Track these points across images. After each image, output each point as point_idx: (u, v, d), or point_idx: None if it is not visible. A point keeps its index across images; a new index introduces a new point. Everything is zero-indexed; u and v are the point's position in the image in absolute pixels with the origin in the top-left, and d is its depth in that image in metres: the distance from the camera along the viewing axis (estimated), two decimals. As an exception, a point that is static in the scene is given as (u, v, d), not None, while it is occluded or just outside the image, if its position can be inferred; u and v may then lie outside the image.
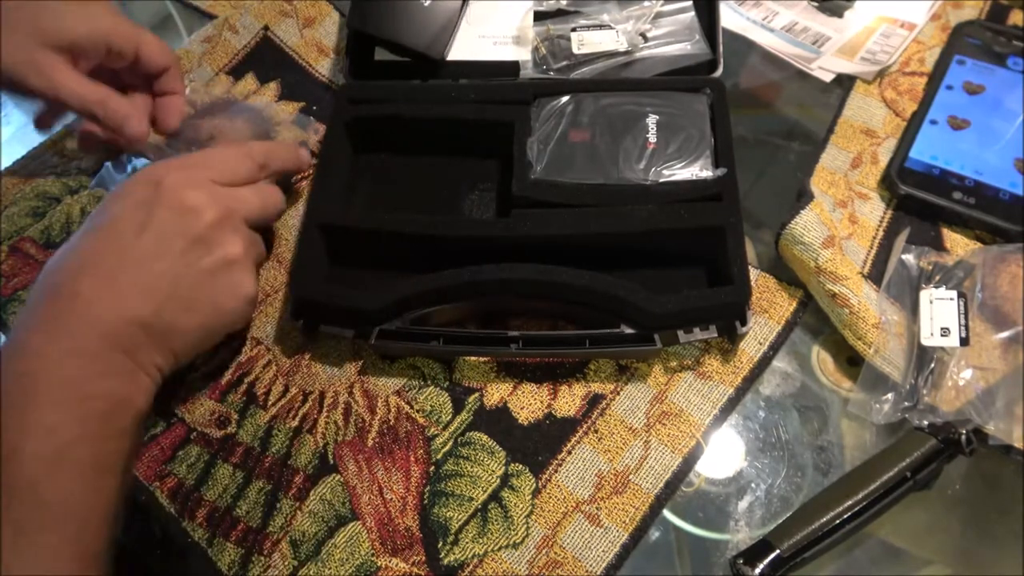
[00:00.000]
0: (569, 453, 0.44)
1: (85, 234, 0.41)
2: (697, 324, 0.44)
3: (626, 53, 0.54)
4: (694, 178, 0.47)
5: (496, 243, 0.46)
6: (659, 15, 0.56)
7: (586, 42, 0.55)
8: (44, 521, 0.33)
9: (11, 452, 0.33)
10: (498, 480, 0.44)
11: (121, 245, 0.40)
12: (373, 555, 0.42)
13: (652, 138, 0.49)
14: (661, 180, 0.47)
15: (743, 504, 0.43)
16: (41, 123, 0.54)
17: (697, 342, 0.47)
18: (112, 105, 0.49)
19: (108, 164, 0.57)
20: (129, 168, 0.57)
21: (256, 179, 0.46)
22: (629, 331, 0.44)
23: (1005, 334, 0.43)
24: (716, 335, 0.44)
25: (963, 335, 0.44)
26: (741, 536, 0.42)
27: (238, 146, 0.47)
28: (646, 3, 0.56)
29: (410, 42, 0.54)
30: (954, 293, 0.45)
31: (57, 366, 0.36)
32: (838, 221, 0.50)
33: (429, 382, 0.47)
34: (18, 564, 0.32)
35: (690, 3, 0.56)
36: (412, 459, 0.45)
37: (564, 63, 0.54)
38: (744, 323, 0.44)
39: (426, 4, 0.54)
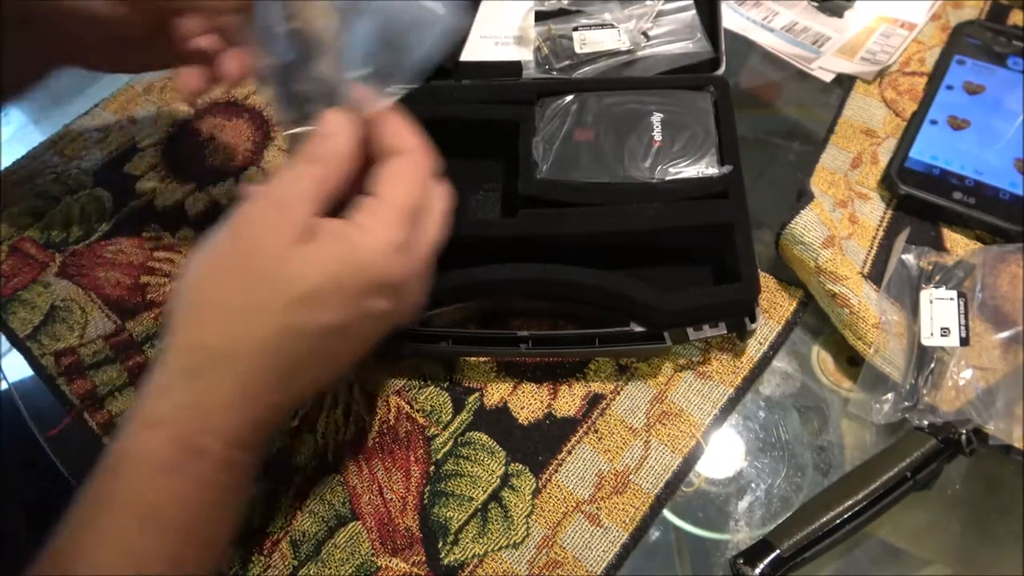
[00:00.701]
0: (569, 453, 0.44)
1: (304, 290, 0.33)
2: (706, 321, 0.44)
3: (628, 52, 0.54)
4: (700, 176, 0.47)
5: (502, 243, 0.46)
6: (660, 14, 0.56)
7: (588, 41, 0.55)
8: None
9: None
10: (498, 480, 0.44)
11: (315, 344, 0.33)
12: (373, 555, 0.42)
13: (657, 136, 0.49)
14: (667, 178, 0.47)
15: (743, 504, 0.43)
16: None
17: (699, 341, 0.47)
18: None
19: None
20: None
21: None
22: (639, 329, 0.44)
23: (1005, 334, 0.43)
24: (725, 332, 0.44)
25: (963, 335, 0.44)
26: (741, 536, 0.42)
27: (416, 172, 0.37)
28: (648, 2, 0.56)
29: (416, 52, 0.54)
30: (954, 293, 0.45)
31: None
32: (838, 221, 0.50)
33: (429, 382, 0.47)
34: None
35: (691, 1, 0.56)
36: (412, 459, 0.45)
37: (567, 63, 0.54)
38: (753, 320, 0.44)
39: (439, 12, 0.54)
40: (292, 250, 0.32)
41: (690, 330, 0.44)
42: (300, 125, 0.37)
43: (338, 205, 0.34)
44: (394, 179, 0.34)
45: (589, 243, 0.46)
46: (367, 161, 0.36)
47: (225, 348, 0.31)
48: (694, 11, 0.56)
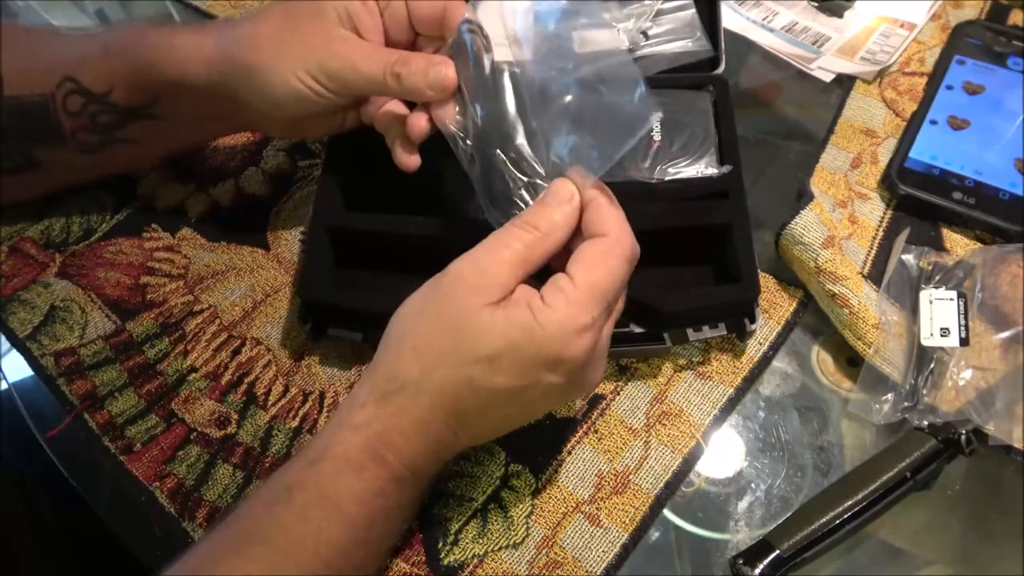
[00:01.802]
0: (569, 453, 0.44)
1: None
2: (706, 322, 0.44)
3: (627, 51, 0.54)
4: (700, 176, 0.47)
5: None
6: (659, 13, 0.56)
7: (587, 41, 0.55)
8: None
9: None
10: (498, 480, 0.44)
11: (494, 389, 0.35)
12: (373, 555, 0.42)
13: (656, 136, 0.48)
14: (667, 178, 0.47)
15: (743, 504, 0.43)
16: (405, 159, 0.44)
17: (699, 341, 0.47)
18: (413, 64, 0.40)
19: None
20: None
21: None
22: (639, 330, 0.44)
23: (1005, 334, 0.43)
24: (725, 333, 0.44)
25: (963, 335, 0.44)
26: (741, 536, 0.42)
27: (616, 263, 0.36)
28: (646, 1, 0.56)
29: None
30: (954, 293, 0.45)
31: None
32: (838, 221, 0.50)
33: (429, 382, 0.47)
34: None
35: (690, 0, 0.56)
36: (412, 459, 0.45)
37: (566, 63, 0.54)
38: (753, 320, 0.44)
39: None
40: (486, 311, 0.34)
41: (690, 331, 0.44)
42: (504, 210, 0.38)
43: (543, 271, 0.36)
44: (593, 263, 0.35)
45: None
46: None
47: (414, 383, 0.35)
48: (693, 10, 0.56)
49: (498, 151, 0.38)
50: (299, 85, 0.41)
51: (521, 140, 0.38)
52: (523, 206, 0.37)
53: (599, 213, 0.36)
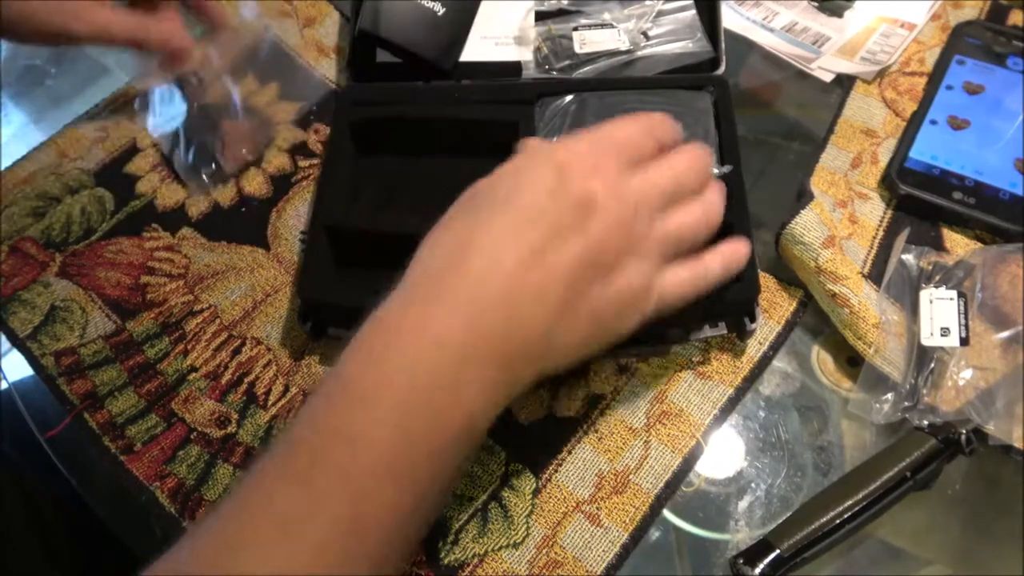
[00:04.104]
0: (569, 453, 0.44)
1: (473, 210, 0.35)
2: (707, 321, 0.44)
3: (628, 52, 0.54)
4: None
5: None
6: (660, 14, 0.56)
7: (588, 41, 0.55)
8: (353, 529, 0.30)
9: (351, 439, 0.31)
10: (498, 480, 0.44)
11: (518, 240, 0.33)
12: (373, 555, 0.42)
13: None
14: None
15: (743, 504, 0.43)
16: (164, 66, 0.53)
17: (699, 341, 0.47)
18: (154, 28, 0.50)
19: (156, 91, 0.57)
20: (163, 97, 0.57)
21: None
22: (639, 330, 0.44)
23: (1005, 334, 0.43)
24: (726, 332, 0.44)
25: (963, 335, 0.44)
26: (741, 536, 0.42)
27: (641, 120, 0.38)
28: (648, 2, 0.56)
29: (422, 51, 0.54)
30: (954, 293, 0.45)
31: (423, 363, 0.31)
32: (838, 221, 0.50)
33: (429, 382, 0.47)
34: (312, 561, 0.29)
35: (691, 1, 0.56)
36: (412, 459, 0.45)
37: (566, 63, 0.54)
38: (753, 320, 0.44)
39: (439, 13, 0.54)
40: None
41: (691, 330, 0.44)
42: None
43: None
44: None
45: None
46: None
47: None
48: (694, 11, 0.56)
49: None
50: None
51: None
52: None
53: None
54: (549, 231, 0.33)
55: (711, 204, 0.38)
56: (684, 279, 0.37)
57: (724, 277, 0.39)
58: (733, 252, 0.39)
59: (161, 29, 0.50)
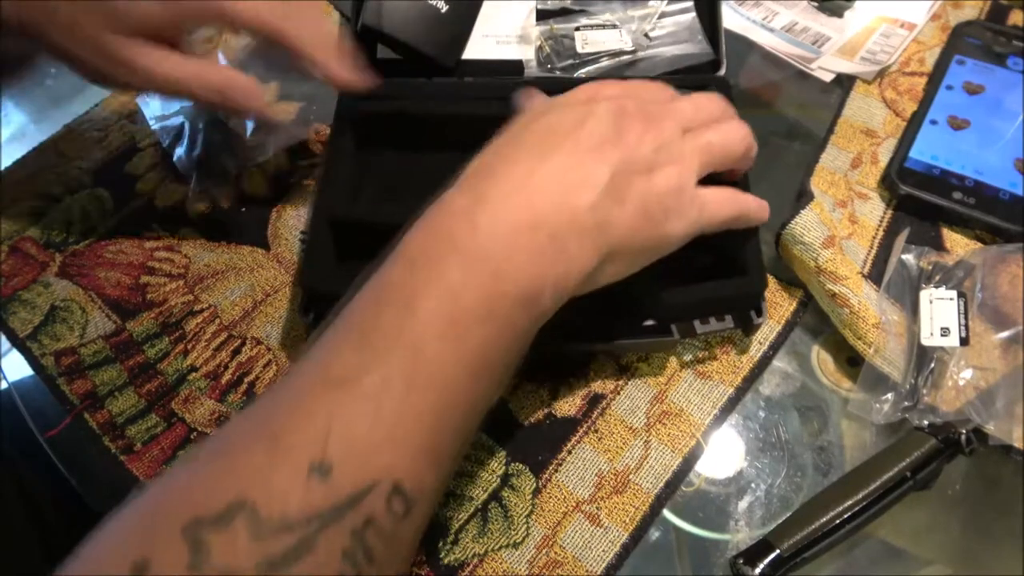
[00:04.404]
0: (569, 453, 0.44)
1: (514, 130, 0.38)
2: (713, 315, 0.44)
3: (630, 53, 0.54)
4: None
5: None
6: (662, 15, 0.56)
7: (590, 41, 0.55)
8: (414, 382, 0.30)
9: (411, 299, 0.32)
10: (498, 479, 0.44)
11: (556, 139, 0.36)
12: (373, 555, 0.42)
13: None
14: None
15: (743, 504, 0.43)
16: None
17: (699, 341, 0.47)
18: (212, 79, 0.44)
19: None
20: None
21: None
22: (647, 323, 0.44)
23: (1005, 334, 0.43)
24: (732, 326, 0.45)
25: (963, 335, 0.44)
26: (741, 536, 0.42)
27: (655, 83, 0.42)
28: (651, 3, 0.56)
29: (424, 48, 0.53)
30: (954, 293, 0.45)
31: (478, 232, 0.33)
32: (838, 221, 0.50)
33: (429, 382, 0.47)
34: (372, 423, 0.29)
35: (691, 3, 0.56)
36: (412, 459, 0.45)
37: (568, 62, 0.54)
38: (760, 314, 0.44)
39: (443, 10, 0.54)
40: None
41: (697, 323, 0.44)
42: None
43: None
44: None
45: None
46: None
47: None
48: (693, 14, 0.56)
49: None
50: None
51: None
52: None
53: None
54: (588, 139, 0.35)
55: (739, 125, 0.41)
56: (725, 198, 0.39)
57: (756, 218, 0.42)
58: (760, 203, 0.42)
59: (226, 76, 0.45)
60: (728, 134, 0.40)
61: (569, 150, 0.35)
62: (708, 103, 0.41)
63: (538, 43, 0.55)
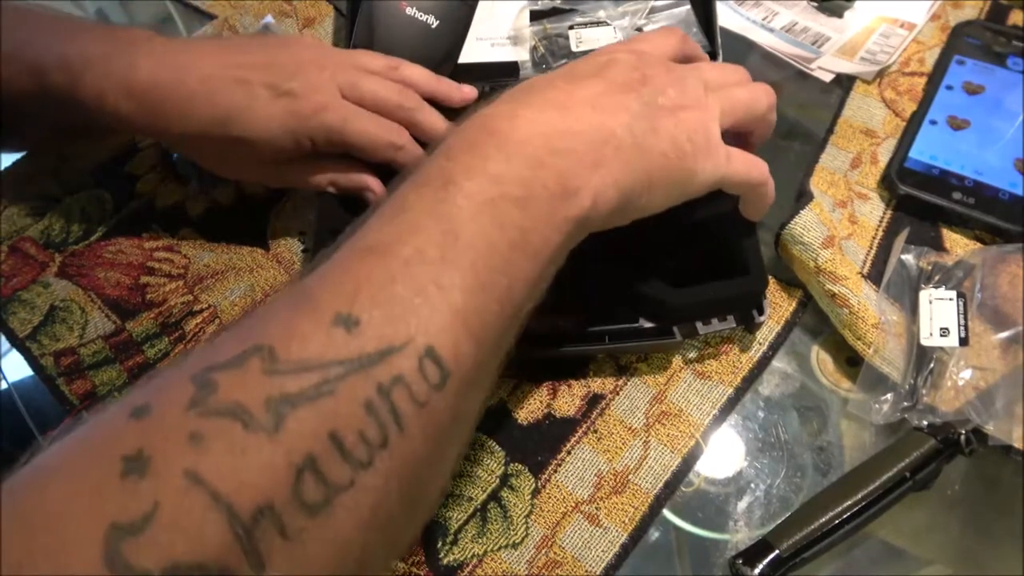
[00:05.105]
0: (569, 453, 0.44)
1: (539, 77, 0.37)
2: (715, 315, 0.44)
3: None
4: None
5: None
6: (653, 10, 0.56)
7: (584, 39, 0.55)
8: (448, 255, 0.29)
9: (449, 181, 0.31)
10: (497, 480, 0.44)
11: (583, 79, 0.36)
12: (373, 555, 0.42)
13: None
14: None
15: (743, 504, 0.43)
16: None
17: (699, 341, 0.47)
18: (342, 184, 0.48)
19: None
20: None
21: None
22: (648, 325, 0.44)
23: (1005, 334, 0.43)
24: (735, 326, 0.45)
25: (963, 335, 0.44)
26: (741, 536, 0.42)
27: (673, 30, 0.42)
28: (642, -1, 0.56)
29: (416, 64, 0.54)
30: (954, 293, 0.45)
31: (518, 128, 0.33)
32: (838, 221, 0.50)
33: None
34: (404, 285, 0.28)
35: (685, -4, 0.56)
36: (412, 459, 0.45)
37: (563, 61, 0.54)
38: (761, 312, 0.44)
39: (433, 25, 0.54)
40: None
41: (699, 324, 0.44)
42: None
43: None
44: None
45: (592, 238, 0.46)
46: None
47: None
48: (688, 6, 0.56)
49: None
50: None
51: None
52: None
53: None
54: (614, 77, 0.36)
55: (761, 84, 0.41)
56: (748, 159, 0.39)
57: (770, 196, 0.41)
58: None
59: (351, 179, 0.47)
60: (752, 90, 0.40)
61: (598, 84, 0.35)
62: (730, 67, 0.41)
63: (532, 43, 0.56)
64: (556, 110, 0.34)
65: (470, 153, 0.32)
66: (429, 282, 0.28)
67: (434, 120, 0.47)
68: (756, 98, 0.40)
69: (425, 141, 0.47)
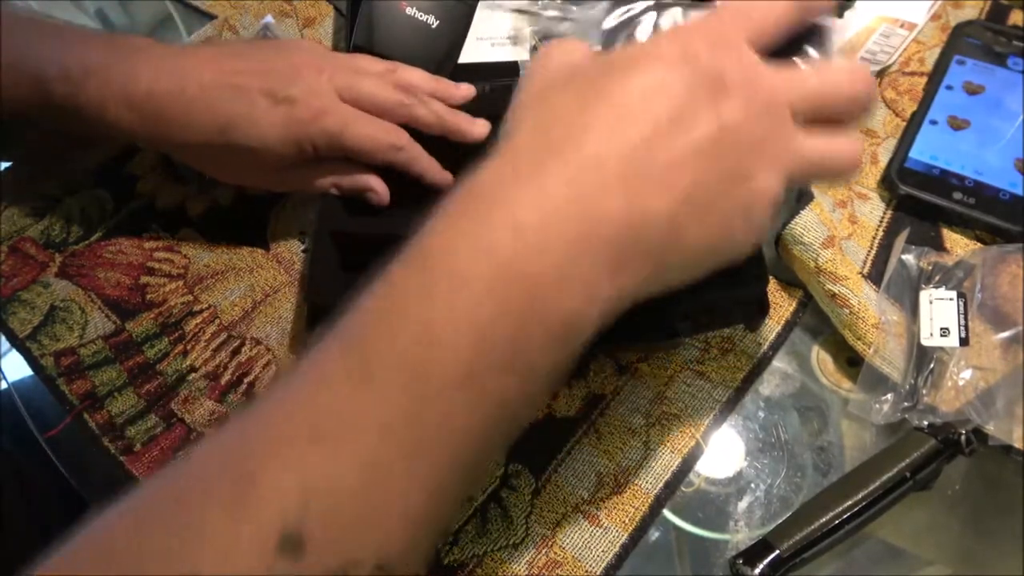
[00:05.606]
0: (569, 453, 0.44)
1: (576, 84, 0.30)
2: (716, 315, 0.44)
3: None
4: None
5: None
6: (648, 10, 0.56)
7: (586, 41, 0.55)
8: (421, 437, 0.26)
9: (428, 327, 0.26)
10: (497, 480, 0.44)
11: (642, 115, 0.28)
12: (373, 555, 0.42)
13: None
14: None
15: (743, 504, 0.43)
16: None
17: (698, 341, 0.47)
18: (345, 184, 0.47)
19: None
20: None
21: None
22: (648, 325, 0.44)
23: (1005, 334, 0.43)
24: (735, 325, 0.45)
25: (963, 335, 0.44)
26: (741, 536, 0.42)
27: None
28: (639, 1, 0.56)
29: (416, 64, 0.54)
30: (954, 293, 0.45)
31: (513, 235, 0.27)
32: (838, 221, 0.50)
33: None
34: (358, 475, 0.25)
35: (684, -1, 0.56)
36: (412, 459, 0.45)
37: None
38: (763, 312, 0.44)
39: (433, 25, 0.54)
40: None
41: (700, 324, 0.44)
42: None
43: None
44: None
45: None
46: None
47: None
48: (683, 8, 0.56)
49: None
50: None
51: None
52: None
53: None
54: (677, 107, 0.28)
55: (857, 147, 0.31)
56: (825, 158, 0.31)
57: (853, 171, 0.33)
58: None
59: (354, 180, 0.47)
60: (849, 154, 0.32)
61: (650, 131, 0.28)
62: (847, 88, 0.31)
63: (532, 43, 0.56)
64: (582, 184, 0.27)
65: (446, 285, 0.27)
66: (391, 485, 0.25)
67: (435, 109, 0.47)
68: (844, 165, 0.31)
69: (426, 133, 0.47)
